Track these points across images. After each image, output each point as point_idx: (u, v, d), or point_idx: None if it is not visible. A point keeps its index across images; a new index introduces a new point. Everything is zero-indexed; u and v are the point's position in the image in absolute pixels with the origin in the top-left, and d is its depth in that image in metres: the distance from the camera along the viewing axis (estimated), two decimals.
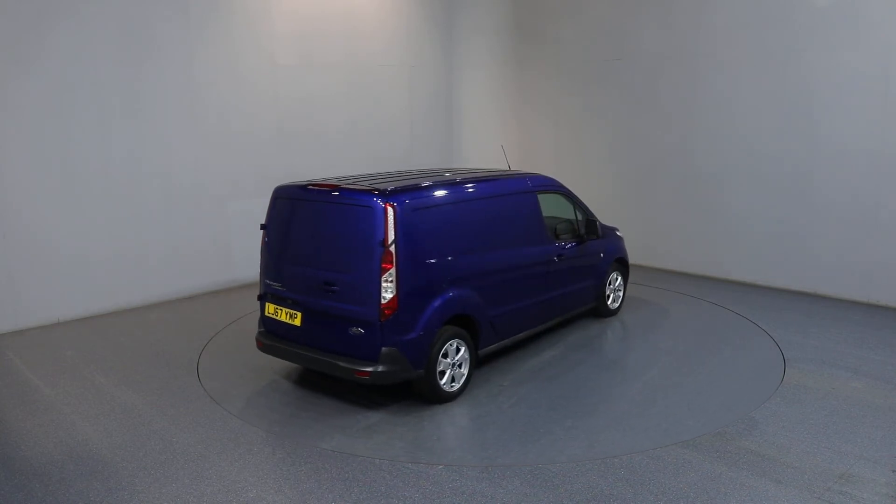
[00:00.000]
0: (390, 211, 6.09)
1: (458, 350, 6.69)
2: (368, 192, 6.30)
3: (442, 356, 6.52)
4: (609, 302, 9.12)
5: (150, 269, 9.84)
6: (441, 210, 6.61)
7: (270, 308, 6.94)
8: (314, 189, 6.70)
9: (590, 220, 8.57)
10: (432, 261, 6.42)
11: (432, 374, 6.43)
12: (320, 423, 6.28)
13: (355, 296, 6.22)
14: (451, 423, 6.34)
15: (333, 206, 6.50)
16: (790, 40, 9.89)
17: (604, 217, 10.01)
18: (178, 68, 9.76)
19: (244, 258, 10.52)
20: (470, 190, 7.11)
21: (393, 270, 6.08)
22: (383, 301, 6.09)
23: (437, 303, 6.41)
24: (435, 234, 6.47)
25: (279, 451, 5.84)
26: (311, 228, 6.65)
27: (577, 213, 8.58)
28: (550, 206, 8.47)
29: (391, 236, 6.07)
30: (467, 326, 6.82)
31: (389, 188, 6.35)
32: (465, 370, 6.78)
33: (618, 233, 9.43)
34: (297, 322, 6.66)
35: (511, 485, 5.25)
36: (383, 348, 6.16)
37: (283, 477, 5.42)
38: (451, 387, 6.66)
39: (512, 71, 13.62)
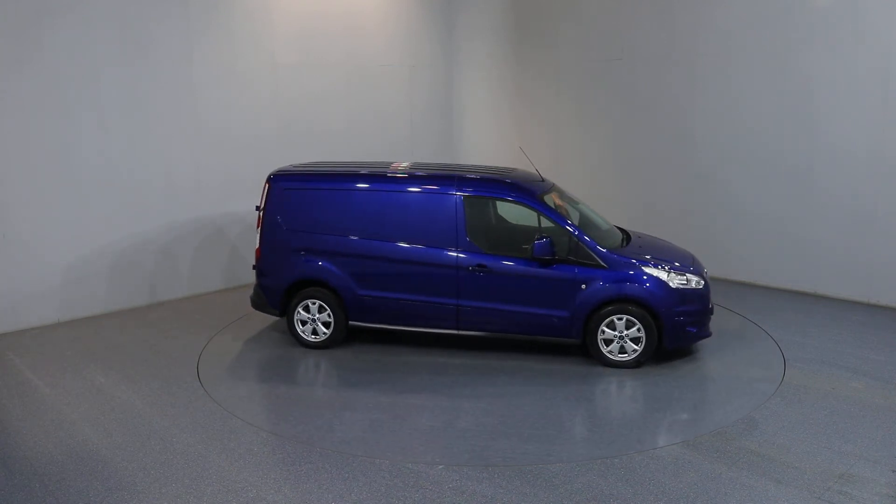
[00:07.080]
0: (266, 186, 8.11)
1: (321, 310, 7.97)
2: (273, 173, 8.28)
3: (305, 310, 8.00)
4: (607, 349, 7.42)
5: (151, 268, 9.84)
6: (318, 193, 8.02)
7: None
8: None
9: (546, 238, 7.29)
10: (296, 230, 7.98)
11: (290, 319, 8.08)
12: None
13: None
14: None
15: None
16: (790, 40, 9.88)
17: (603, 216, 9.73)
18: (177, 67, 9.75)
19: (244, 258, 10.53)
20: (354, 182, 8.04)
21: (259, 230, 8.12)
22: (255, 250, 8.21)
23: (289, 263, 8.02)
24: (306, 211, 7.97)
25: (279, 451, 5.84)
26: None
27: (549, 227, 7.53)
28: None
29: (262, 204, 8.09)
30: (336, 295, 7.97)
31: (279, 170, 8.29)
32: (328, 330, 8.00)
33: (651, 270, 7.40)
34: None
35: (511, 485, 5.26)
36: (255, 285, 8.33)
37: (283, 477, 5.43)
38: (313, 337, 8.05)
39: (512, 70, 13.61)
